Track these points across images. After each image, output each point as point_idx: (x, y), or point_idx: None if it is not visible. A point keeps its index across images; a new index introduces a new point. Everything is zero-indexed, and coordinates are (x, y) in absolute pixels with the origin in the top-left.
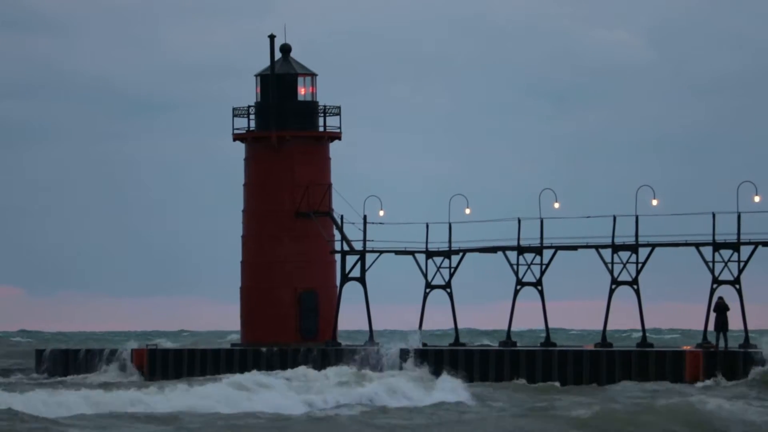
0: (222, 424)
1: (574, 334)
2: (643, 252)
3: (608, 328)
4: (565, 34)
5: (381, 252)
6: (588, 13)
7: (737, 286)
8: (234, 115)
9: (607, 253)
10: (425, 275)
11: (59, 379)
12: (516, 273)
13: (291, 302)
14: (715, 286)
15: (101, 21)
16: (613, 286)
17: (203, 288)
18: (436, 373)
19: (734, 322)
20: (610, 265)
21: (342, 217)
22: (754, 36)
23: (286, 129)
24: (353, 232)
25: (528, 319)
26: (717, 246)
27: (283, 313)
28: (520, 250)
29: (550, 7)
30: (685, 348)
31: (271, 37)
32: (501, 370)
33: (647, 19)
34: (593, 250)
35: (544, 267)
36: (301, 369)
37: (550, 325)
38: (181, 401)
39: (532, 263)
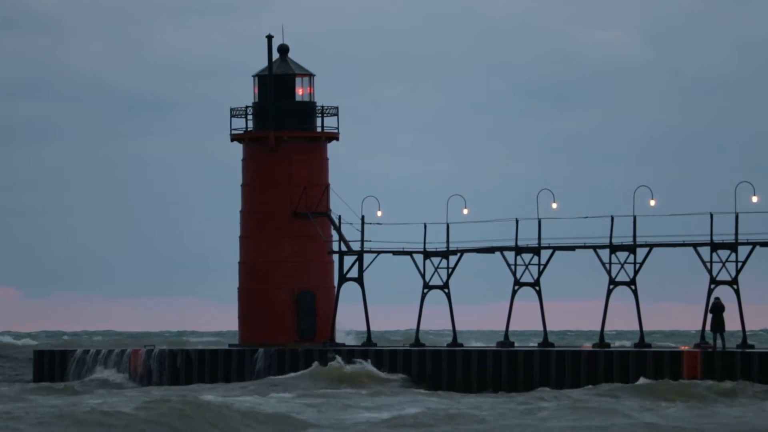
0: None
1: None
2: (640, 252)
3: (606, 328)
4: (562, 33)
5: (379, 252)
6: (583, 12)
7: (735, 287)
8: (232, 116)
9: (604, 254)
10: (423, 276)
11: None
12: (514, 273)
13: (289, 303)
14: (712, 286)
15: (98, 21)
16: (611, 287)
17: (201, 289)
18: None
19: (732, 322)
20: (607, 266)
21: (340, 217)
22: (751, 35)
23: (283, 129)
24: (351, 233)
25: (526, 319)
26: (715, 246)
27: (280, 314)
28: (518, 250)
29: (547, 6)
30: (682, 348)
31: (269, 38)
32: None
33: (643, 17)
34: (591, 251)
35: (541, 267)
36: None
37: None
38: None
39: (529, 263)
